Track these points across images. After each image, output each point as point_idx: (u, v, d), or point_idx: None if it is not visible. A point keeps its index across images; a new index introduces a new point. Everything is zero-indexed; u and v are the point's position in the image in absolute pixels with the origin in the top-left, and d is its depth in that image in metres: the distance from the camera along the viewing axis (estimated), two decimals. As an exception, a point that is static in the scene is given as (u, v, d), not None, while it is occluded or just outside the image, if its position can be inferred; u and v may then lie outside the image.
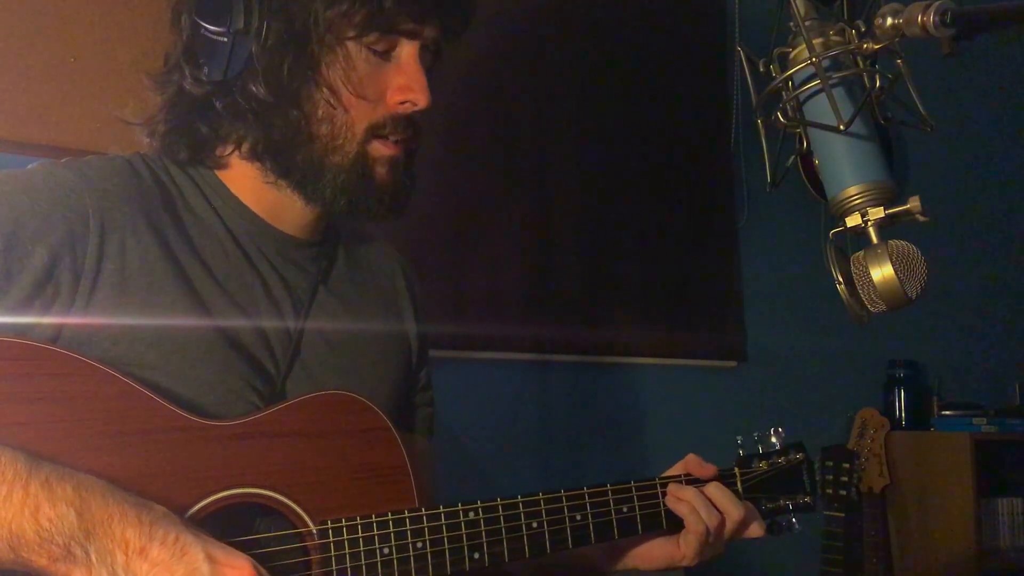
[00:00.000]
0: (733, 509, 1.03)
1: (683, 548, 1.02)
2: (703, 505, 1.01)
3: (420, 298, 1.14)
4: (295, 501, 0.86)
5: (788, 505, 1.10)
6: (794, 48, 0.86)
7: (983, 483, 2.36)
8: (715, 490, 1.04)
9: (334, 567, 0.86)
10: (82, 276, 0.84)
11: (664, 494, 1.03)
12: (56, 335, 0.83)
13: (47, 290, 0.82)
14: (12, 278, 0.81)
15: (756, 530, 1.06)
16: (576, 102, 2.22)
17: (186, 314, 0.87)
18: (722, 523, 1.02)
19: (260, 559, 0.78)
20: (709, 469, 1.06)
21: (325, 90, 0.90)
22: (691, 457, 1.08)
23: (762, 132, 0.91)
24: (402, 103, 0.92)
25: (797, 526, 1.11)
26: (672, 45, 2.37)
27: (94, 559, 0.71)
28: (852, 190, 0.83)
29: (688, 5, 2.41)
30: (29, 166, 0.89)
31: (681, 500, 1.02)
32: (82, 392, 0.80)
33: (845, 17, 0.86)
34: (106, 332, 0.84)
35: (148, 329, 0.85)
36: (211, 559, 0.73)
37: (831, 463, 1.94)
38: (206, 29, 0.88)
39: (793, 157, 0.93)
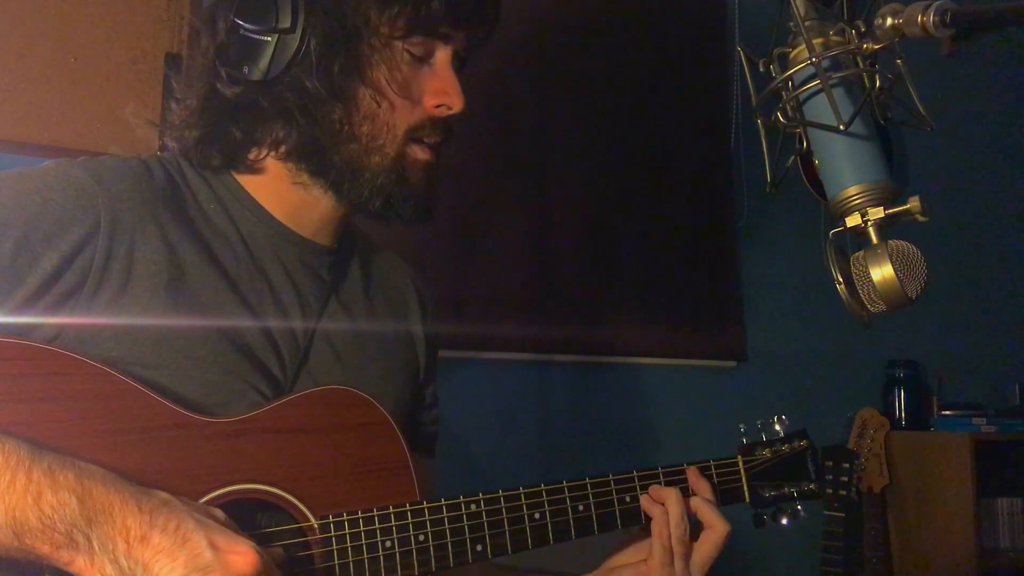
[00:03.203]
0: (718, 522, 0.99)
1: (649, 561, 0.99)
2: (678, 512, 0.98)
3: (431, 312, 1.14)
4: (296, 496, 0.86)
5: (793, 492, 1.09)
6: (794, 48, 0.86)
7: (983, 483, 2.36)
8: (700, 503, 1.01)
9: (336, 561, 0.86)
10: (89, 276, 0.83)
11: (666, 484, 1.01)
12: (57, 333, 0.83)
13: (56, 289, 0.82)
14: (21, 277, 0.81)
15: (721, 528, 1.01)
16: (576, 102, 2.22)
17: (191, 317, 0.87)
18: (687, 535, 0.98)
19: None
20: (703, 486, 1.02)
21: (371, 89, 0.91)
22: (692, 469, 1.04)
23: (762, 132, 0.91)
24: (438, 106, 0.94)
25: (802, 513, 1.10)
26: (672, 45, 2.37)
27: (96, 547, 0.71)
28: (852, 190, 0.83)
29: (688, 5, 2.42)
30: (42, 164, 0.89)
31: (654, 502, 0.99)
32: (81, 391, 0.80)
33: (845, 17, 0.86)
34: (109, 332, 0.84)
35: (151, 329, 0.85)
36: (214, 546, 0.73)
37: (831, 463, 1.94)
38: (246, 29, 0.88)
39: (793, 157, 0.93)
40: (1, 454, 0.72)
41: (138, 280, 0.85)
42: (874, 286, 0.81)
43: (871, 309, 0.83)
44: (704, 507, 1.01)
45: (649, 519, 1.00)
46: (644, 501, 1.00)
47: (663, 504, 0.99)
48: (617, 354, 2.22)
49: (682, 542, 0.98)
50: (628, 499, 1.00)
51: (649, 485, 1.01)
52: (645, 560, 1.00)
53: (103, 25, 1.61)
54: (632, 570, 1.02)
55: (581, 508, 0.97)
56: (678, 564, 0.98)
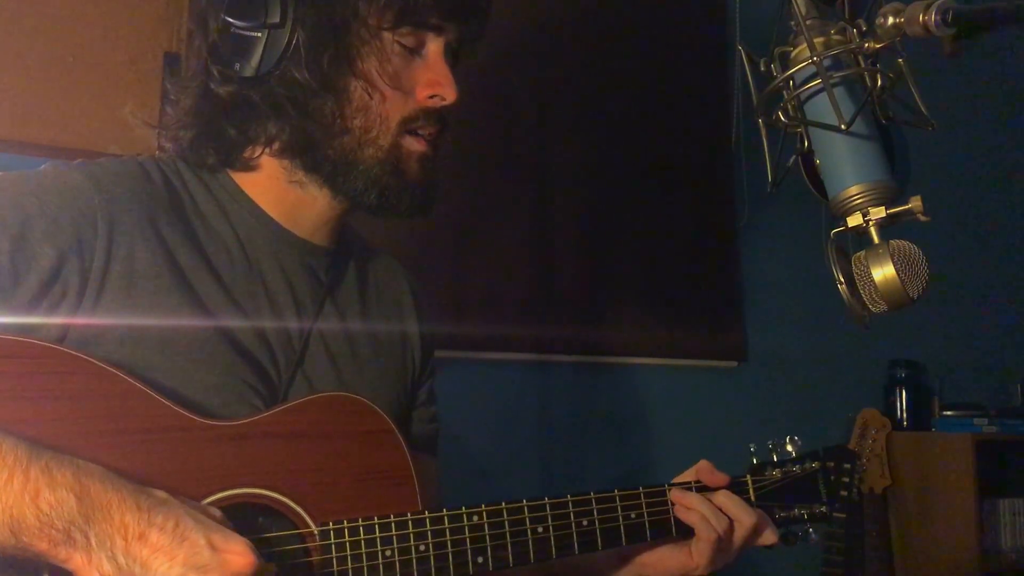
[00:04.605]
0: (743, 515, 1.02)
1: (696, 557, 1.01)
2: (711, 512, 1.01)
3: (426, 313, 1.14)
4: (297, 502, 0.86)
5: (803, 515, 1.08)
6: (795, 47, 0.86)
7: (984, 484, 2.36)
8: (724, 498, 1.03)
9: (335, 568, 0.85)
10: (90, 278, 0.84)
11: (672, 502, 1.02)
12: (62, 336, 0.83)
13: (54, 291, 0.82)
14: (19, 278, 0.81)
15: (769, 536, 1.05)
16: (576, 102, 2.22)
17: (191, 319, 0.87)
18: (731, 529, 1.01)
19: None
20: (720, 478, 1.05)
21: (362, 80, 0.91)
22: (703, 464, 1.06)
23: (763, 132, 0.91)
24: (431, 97, 0.94)
25: (813, 536, 1.09)
26: (673, 44, 2.37)
27: (94, 544, 0.71)
28: (853, 190, 0.83)
29: (689, 5, 2.41)
30: (39, 167, 0.89)
31: (690, 509, 1.01)
32: (85, 391, 0.80)
33: (846, 16, 0.86)
34: (112, 334, 0.84)
35: (154, 331, 0.85)
36: (212, 545, 0.73)
37: (832, 464, 1.94)
38: (237, 27, 0.89)
39: (794, 157, 0.93)
40: None
41: (141, 282, 0.86)
42: (875, 286, 0.81)
43: (872, 309, 0.83)
44: (728, 504, 1.02)
45: (663, 531, 1.01)
46: (678, 511, 1.01)
47: (696, 509, 1.01)
48: (617, 354, 2.22)
49: (727, 533, 1.01)
50: (633, 515, 0.99)
51: (655, 501, 1.01)
52: (687, 550, 1.02)
53: (102, 25, 1.61)
54: (673, 556, 1.03)
55: (585, 523, 0.97)
56: (729, 551, 1.02)
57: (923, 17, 0.76)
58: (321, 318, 0.98)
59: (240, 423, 0.85)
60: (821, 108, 0.84)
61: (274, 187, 0.96)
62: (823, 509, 1.09)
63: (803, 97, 0.86)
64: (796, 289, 2.46)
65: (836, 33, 0.84)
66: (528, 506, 0.94)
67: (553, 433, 2.10)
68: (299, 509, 0.86)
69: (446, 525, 0.89)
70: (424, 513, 0.89)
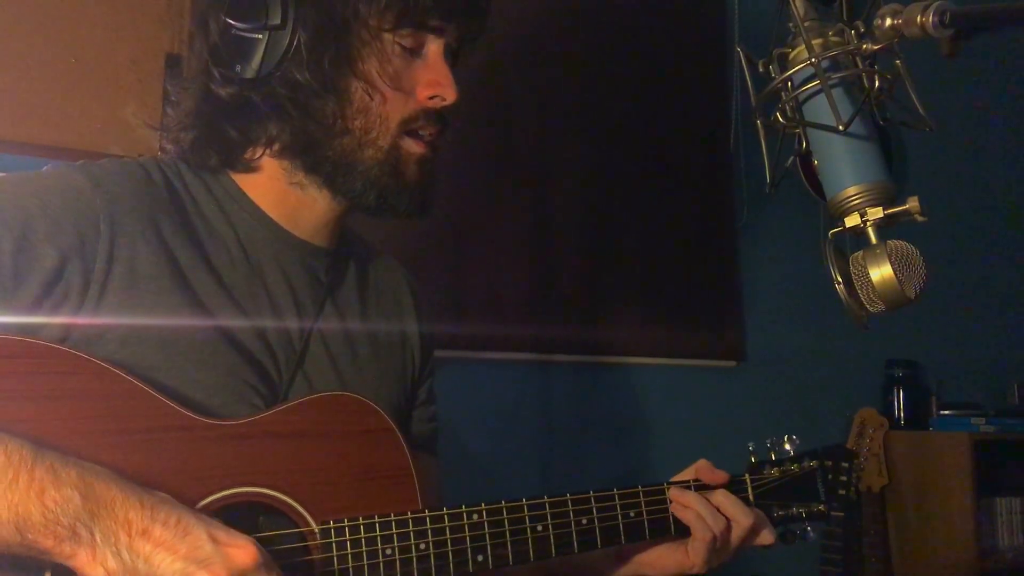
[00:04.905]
0: (741, 516, 1.03)
1: (692, 556, 1.02)
2: (708, 511, 1.01)
3: (426, 312, 1.14)
4: (297, 501, 0.86)
5: (801, 513, 1.09)
6: (793, 48, 0.86)
7: (982, 483, 2.37)
8: (722, 497, 1.04)
9: (336, 567, 0.86)
10: (92, 279, 0.84)
11: (670, 500, 1.03)
12: (64, 337, 0.83)
13: (56, 291, 0.83)
14: (21, 279, 0.81)
15: (767, 537, 1.06)
16: (576, 102, 2.22)
17: (192, 319, 0.88)
18: (729, 528, 1.02)
19: None
20: (720, 476, 1.06)
21: (362, 81, 0.92)
22: (702, 463, 1.07)
23: (761, 132, 0.91)
24: (432, 98, 0.94)
25: (811, 534, 1.10)
26: (672, 45, 2.37)
27: (98, 539, 0.72)
28: (851, 190, 0.83)
29: (688, 5, 2.42)
30: (42, 169, 0.90)
31: (687, 507, 1.02)
32: (86, 390, 0.80)
33: (844, 18, 0.86)
34: (114, 334, 0.84)
35: (155, 332, 0.86)
36: (214, 539, 0.74)
37: (830, 463, 1.95)
38: (238, 28, 0.89)
39: (792, 157, 0.93)
40: (3, 453, 0.73)
41: (143, 283, 0.86)
42: (873, 286, 0.81)
43: (870, 309, 0.83)
44: (726, 503, 1.03)
45: (662, 530, 1.02)
46: (675, 508, 1.02)
47: (693, 508, 1.02)
48: (617, 354, 2.22)
49: (724, 532, 1.02)
50: (632, 514, 1.00)
51: (654, 500, 1.02)
52: (684, 549, 1.03)
53: (103, 25, 1.61)
54: (670, 554, 1.04)
55: (584, 521, 0.97)
56: (726, 550, 1.03)
57: (921, 18, 0.76)
58: (321, 318, 0.99)
59: (241, 423, 0.86)
60: (819, 109, 0.84)
61: (275, 188, 0.96)
62: (821, 508, 1.10)
63: (801, 98, 0.86)
64: (795, 289, 2.47)
65: (834, 35, 0.84)
66: (528, 505, 0.95)
67: (553, 433, 2.11)
68: (300, 508, 0.86)
69: (446, 524, 0.90)
70: (424, 512, 0.90)
